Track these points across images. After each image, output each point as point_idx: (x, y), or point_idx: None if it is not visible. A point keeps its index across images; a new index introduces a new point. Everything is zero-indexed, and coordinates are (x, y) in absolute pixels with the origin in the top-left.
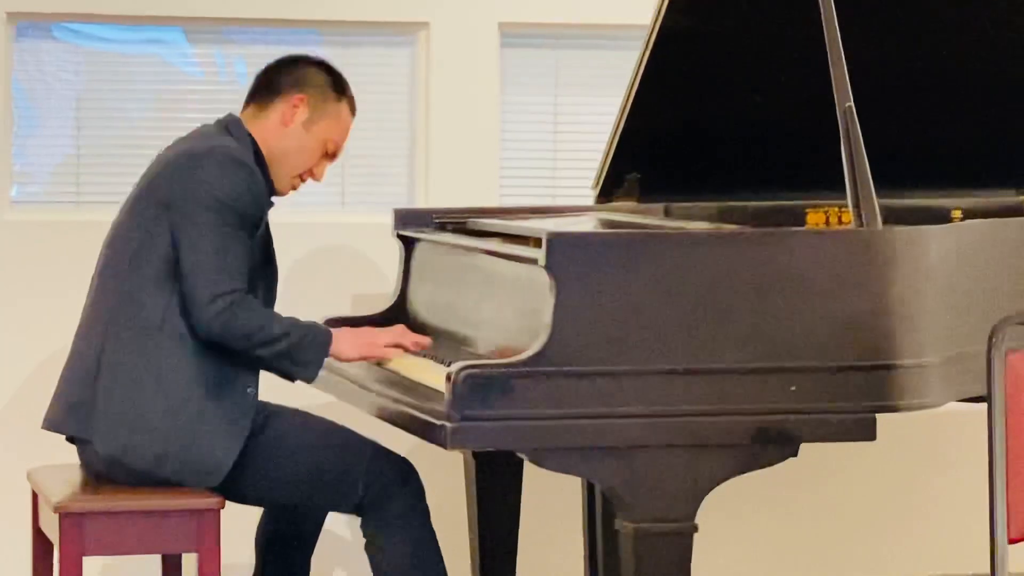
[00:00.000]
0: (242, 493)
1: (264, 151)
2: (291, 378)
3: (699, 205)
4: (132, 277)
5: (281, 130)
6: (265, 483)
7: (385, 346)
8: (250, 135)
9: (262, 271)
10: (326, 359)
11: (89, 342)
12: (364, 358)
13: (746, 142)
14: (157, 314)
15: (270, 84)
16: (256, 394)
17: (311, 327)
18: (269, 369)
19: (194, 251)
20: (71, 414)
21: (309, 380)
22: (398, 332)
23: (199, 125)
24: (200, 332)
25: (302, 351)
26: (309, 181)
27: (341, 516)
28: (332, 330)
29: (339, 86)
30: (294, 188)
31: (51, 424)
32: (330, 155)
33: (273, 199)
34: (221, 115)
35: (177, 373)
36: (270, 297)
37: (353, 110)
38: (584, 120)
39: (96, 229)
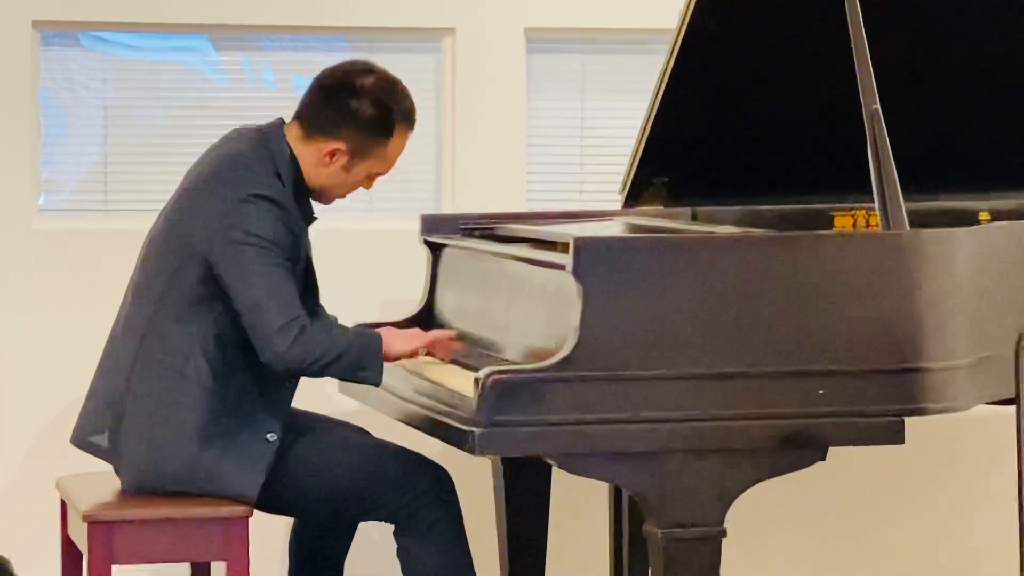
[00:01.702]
0: (276, 505)
1: (307, 178)
2: (359, 382)
3: (726, 209)
4: (160, 313)
5: (321, 168)
6: (299, 496)
7: (429, 341)
8: (291, 153)
9: (303, 294)
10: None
11: (118, 367)
12: (412, 352)
13: (773, 145)
14: (181, 356)
15: (314, 114)
16: (278, 442)
17: (364, 335)
18: (337, 378)
19: (250, 289)
20: (102, 437)
21: (377, 383)
22: (432, 332)
23: (238, 127)
24: (275, 366)
25: (364, 358)
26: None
27: (373, 522)
28: (379, 332)
29: (386, 124)
30: (342, 198)
31: (81, 443)
32: (379, 175)
33: (315, 211)
34: (261, 122)
35: (197, 420)
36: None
37: (410, 128)
38: (611, 125)
39: (124, 237)
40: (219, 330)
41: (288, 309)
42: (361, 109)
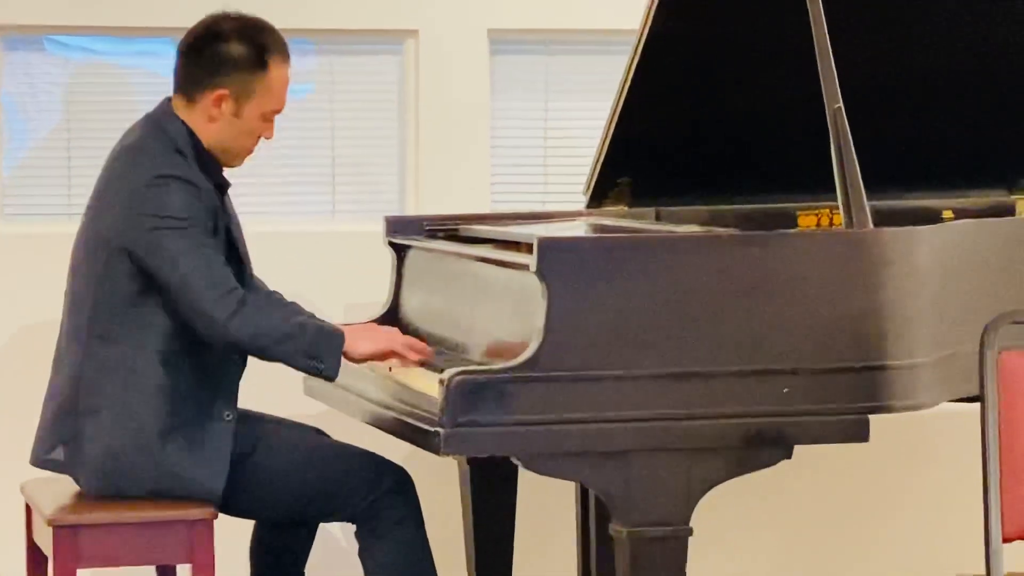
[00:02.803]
0: (238, 508)
1: (204, 143)
2: (313, 374)
3: (690, 209)
4: (96, 318)
5: (211, 125)
6: (260, 501)
7: (401, 345)
8: (185, 126)
9: (230, 266)
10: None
11: (67, 379)
12: (381, 354)
13: (736, 145)
14: (128, 356)
15: (189, 75)
16: (235, 419)
17: (324, 324)
18: (286, 362)
19: (178, 274)
20: (57, 452)
21: (331, 377)
22: (407, 338)
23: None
24: (216, 340)
25: (318, 347)
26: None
27: (335, 523)
28: (347, 329)
29: (260, 55)
30: (249, 153)
31: (40, 461)
32: (272, 117)
33: (226, 173)
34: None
35: (153, 415)
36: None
37: (286, 59)
38: (574, 126)
39: None
40: (160, 321)
41: (221, 282)
42: (230, 50)
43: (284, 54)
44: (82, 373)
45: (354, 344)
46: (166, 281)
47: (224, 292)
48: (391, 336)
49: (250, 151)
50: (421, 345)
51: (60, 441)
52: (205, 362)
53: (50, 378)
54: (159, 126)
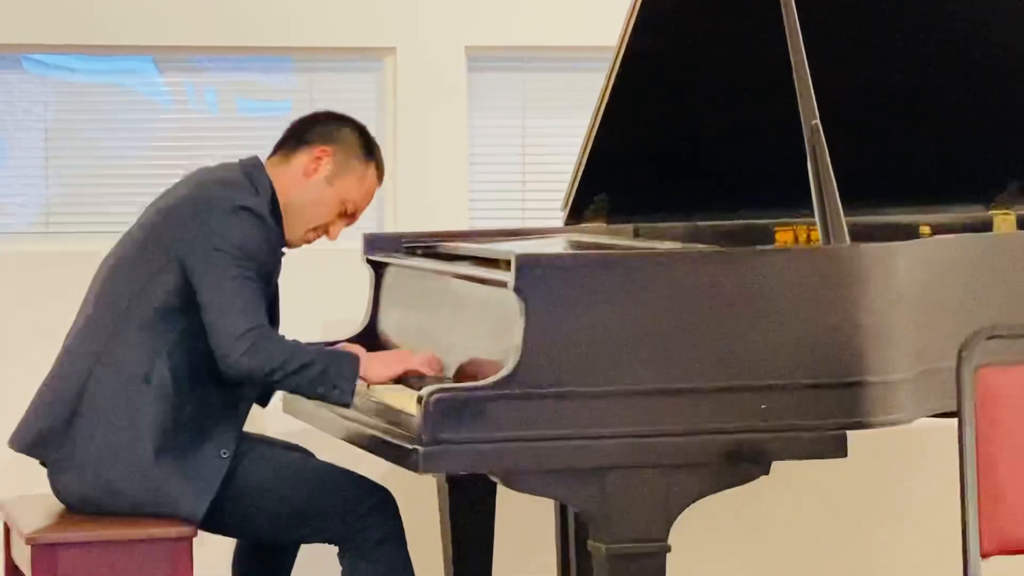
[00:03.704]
0: (220, 526)
1: (281, 201)
2: (328, 401)
3: (668, 225)
4: (126, 319)
5: (302, 180)
6: (243, 518)
7: (418, 361)
8: (270, 182)
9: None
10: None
11: (74, 373)
12: (396, 375)
13: (714, 161)
14: (144, 363)
15: (300, 134)
16: (231, 458)
17: (335, 353)
18: (306, 396)
19: (218, 292)
20: (46, 440)
21: (347, 404)
22: (423, 356)
23: (223, 162)
24: (230, 372)
25: (330, 376)
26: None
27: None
28: (362, 353)
29: (369, 149)
30: (307, 242)
31: (23, 446)
32: (348, 215)
33: (285, 250)
34: (243, 155)
35: (155, 428)
36: None
37: (381, 177)
38: (552, 142)
39: (65, 259)
40: (185, 341)
41: (252, 316)
42: (345, 130)
43: (382, 170)
44: (93, 368)
45: (369, 370)
46: (204, 297)
47: (250, 327)
48: (403, 355)
49: (308, 236)
50: (438, 362)
51: (52, 433)
52: (219, 393)
53: (51, 370)
54: (247, 172)
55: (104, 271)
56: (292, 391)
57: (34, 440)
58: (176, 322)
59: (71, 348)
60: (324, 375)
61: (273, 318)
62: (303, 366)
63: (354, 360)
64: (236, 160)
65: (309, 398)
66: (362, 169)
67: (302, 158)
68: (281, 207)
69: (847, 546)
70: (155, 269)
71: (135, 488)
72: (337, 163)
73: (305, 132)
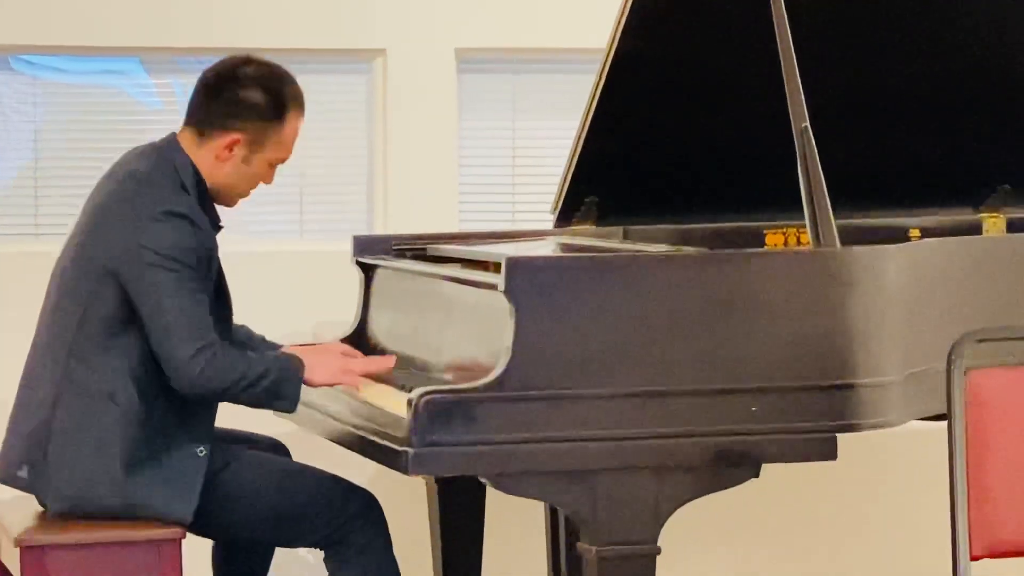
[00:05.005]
0: (206, 529)
1: (208, 183)
2: (275, 410)
3: (658, 228)
4: (79, 339)
5: (219, 165)
6: (229, 522)
7: (360, 375)
8: (191, 162)
9: (215, 305)
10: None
11: (39, 399)
12: (335, 384)
13: (704, 164)
14: (107, 380)
15: (205, 114)
16: (208, 454)
17: (283, 361)
18: (249, 405)
19: (160, 313)
20: (23, 471)
21: (291, 411)
22: (366, 360)
23: (132, 147)
24: (184, 391)
25: (280, 386)
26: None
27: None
28: (301, 357)
29: (278, 106)
30: (246, 196)
31: (6, 477)
32: (279, 164)
33: (222, 224)
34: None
35: (127, 441)
36: (226, 329)
37: (301, 111)
38: (542, 144)
39: (54, 260)
40: (142, 350)
41: (199, 334)
42: (251, 97)
43: (301, 108)
44: (59, 393)
45: (312, 373)
46: (147, 320)
47: (200, 347)
48: (345, 366)
49: (247, 195)
50: (379, 365)
51: (28, 459)
52: (182, 398)
53: (19, 394)
54: (167, 158)
55: (53, 287)
56: (245, 404)
57: (14, 472)
58: (131, 334)
59: (32, 375)
60: (273, 388)
61: (223, 302)
62: (253, 383)
63: (298, 368)
64: (153, 144)
65: (253, 407)
66: (276, 133)
67: (213, 144)
68: (208, 188)
69: (837, 548)
70: (95, 284)
71: (117, 507)
72: (249, 143)
73: (209, 110)
